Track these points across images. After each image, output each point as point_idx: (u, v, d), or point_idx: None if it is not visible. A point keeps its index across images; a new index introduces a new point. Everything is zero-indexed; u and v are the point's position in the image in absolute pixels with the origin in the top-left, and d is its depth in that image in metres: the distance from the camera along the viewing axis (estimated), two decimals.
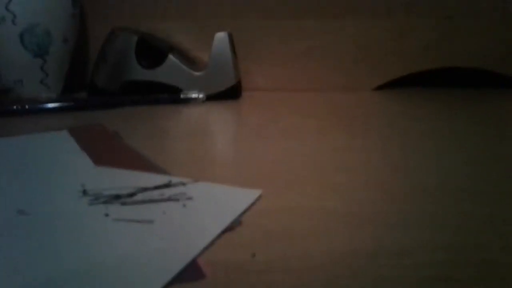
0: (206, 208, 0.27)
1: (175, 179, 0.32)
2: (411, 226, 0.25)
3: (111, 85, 0.67)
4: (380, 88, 0.73)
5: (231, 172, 0.36)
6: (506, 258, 0.21)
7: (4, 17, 0.62)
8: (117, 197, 0.29)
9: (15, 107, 0.58)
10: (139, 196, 0.29)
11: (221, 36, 0.66)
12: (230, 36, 0.66)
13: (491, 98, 0.67)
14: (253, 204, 0.28)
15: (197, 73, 0.66)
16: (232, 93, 0.67)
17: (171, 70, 0.66)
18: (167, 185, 0.31)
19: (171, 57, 0.66)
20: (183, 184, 0.31)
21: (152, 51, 0.67)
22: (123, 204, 0.28)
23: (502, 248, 0.22)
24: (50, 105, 0.59)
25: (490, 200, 0.29)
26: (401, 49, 0.72)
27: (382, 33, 0.72)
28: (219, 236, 0.24)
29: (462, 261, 0.21)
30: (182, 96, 0.64)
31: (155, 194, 0.29)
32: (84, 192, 0.30)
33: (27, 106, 0.58)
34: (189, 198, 0.28)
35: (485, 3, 0.70)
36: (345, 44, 0.73)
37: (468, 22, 0.71)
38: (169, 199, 0.28)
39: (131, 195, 0.29)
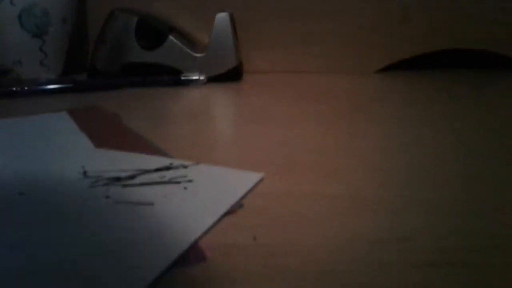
0: (208, 190, 0.27)
1: (176, 162, 0.31)
2: (412, 212, 0.25)
3: (111, 67, 0.67)
4: (383, 70, 0.72)
5: (233, 155, 0.35)
6: (507, 244, 0.21)
7: None
8: (117, 179, 0.28)
9: (14, 88, 0.57)
10: (140, 179, 0.29)
11: (222, 17, 0.65)
12: (232, 17, 0.65)
13: (495, 80, 0.67)
14: (254, 187, 0.28)
15: (197, 55, 0.65)
16: (233, 75, 0.66)
17: (171, 51, 0.65)
18: (168, 168, 0.30)
19: (171, 38, 0.65)
20: (184, 166, 0.31)
21: (152, 32, 0.66)
22: (124, 186, 0.28)
23: (504, 234, 0.22)
24: (50, 86, 0.59)
25: (492, 185, 0.29)
26: (405, 32, 0.71)
27: (385, 15, 0.71)
28: (220, 219, 0.24)
29: (463, 247, 0.21)
30: (182, 78, 0.64)
31: (156, 176, 0.29)
32: (85, 174, 0.29)
33: (26, 87, 0.57)
34: (190, 181, 0.28)
35: None
36: (347, 26, 0.72)
37: (472, 4, 0.70)
38: (170, 181, 0.28)
39: (132, 177, 0.29)
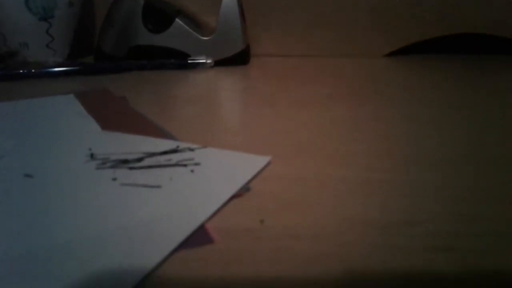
0: (215, 173, 0.27)
1: (182, 145, 0.31)
2: (421, 196, 0.24)
3: (117, 50, 0.67)
4: (392, 54, 0.72)
5: (240, 139, 0.35)
6: None
7: None
8: (124, 161, 0.28)
9: (20, 70, 0.57)
10: (147, 161, 0.28)
11: (229, 0, 0.64)
12: (239, 0, 0.65)
13: (504, 65, 0.66)
14: (262, 170, 0.28)
15: (205, 38, 0.65)
16: (240, 59, 0.65)
17: (178, 34, 0.65)
18: (175, 151, 0.30)
19: (178, 21, 0.65)
20: (191, 149, 0.30)
21: (159, 15, 0.66)
22: (131, 168, 0.27)
23: (510, 219, 0.22)
24: (56, 69, 0.58)
25: (506, 172, 0.28)
26: (414, 15, 0.70)
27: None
28: (227, 202, 0.23)
29: (473, 232, 0.21)
30: (189, 61, 0.63)
31: (163, 159, 0.29)
32: (92, 156, 0.29)
33: (33, 70, 0.57)
34: (197, 164, 0.28)
35: None
36: (357, 9, 0.71)
37: None
38: (177, 164, 0.28)
39: (139, 160, 0.29)
